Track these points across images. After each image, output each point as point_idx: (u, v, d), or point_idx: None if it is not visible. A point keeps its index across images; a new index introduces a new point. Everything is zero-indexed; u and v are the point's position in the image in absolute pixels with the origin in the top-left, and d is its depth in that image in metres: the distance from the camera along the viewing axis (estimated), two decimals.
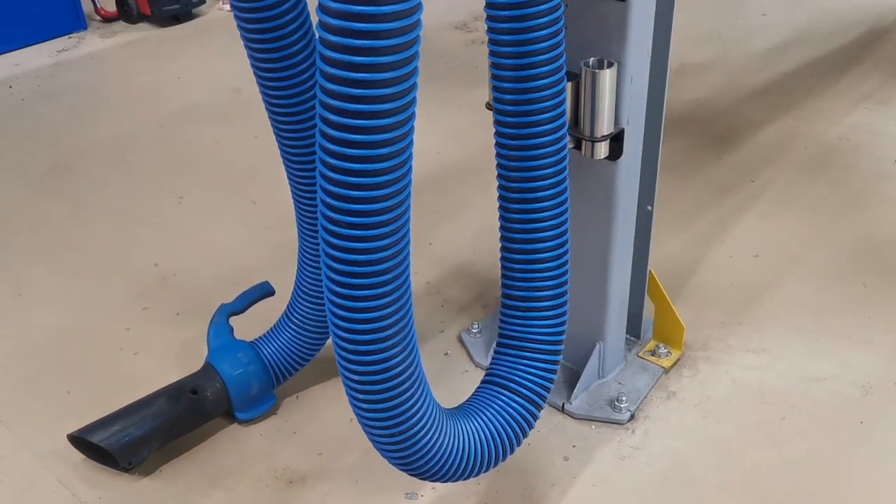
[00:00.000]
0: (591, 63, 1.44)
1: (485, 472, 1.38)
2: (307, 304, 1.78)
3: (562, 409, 1.84)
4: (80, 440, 1.69)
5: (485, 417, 1.37)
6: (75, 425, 1.72)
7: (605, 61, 1.44)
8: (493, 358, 1.45)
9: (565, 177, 1.35)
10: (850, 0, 4.13)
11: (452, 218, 2.56)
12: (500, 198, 1.37)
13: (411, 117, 0.99)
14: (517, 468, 1.71)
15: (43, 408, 1.92)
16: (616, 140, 1.53)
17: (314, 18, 1.01)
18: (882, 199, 2.55)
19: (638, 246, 1.82)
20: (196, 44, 4.02)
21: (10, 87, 3.60)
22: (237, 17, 1.37)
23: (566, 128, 1.32)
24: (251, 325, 1.88)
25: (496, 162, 1.36)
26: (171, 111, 3.33)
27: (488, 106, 1.37)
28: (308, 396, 1.92)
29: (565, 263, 1.39)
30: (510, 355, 1.41)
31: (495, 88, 1.29)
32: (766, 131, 2.98)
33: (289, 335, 1.82)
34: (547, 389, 1.43)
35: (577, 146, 1.53)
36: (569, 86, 1.46)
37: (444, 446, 1.26)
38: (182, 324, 2.15)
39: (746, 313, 2.11)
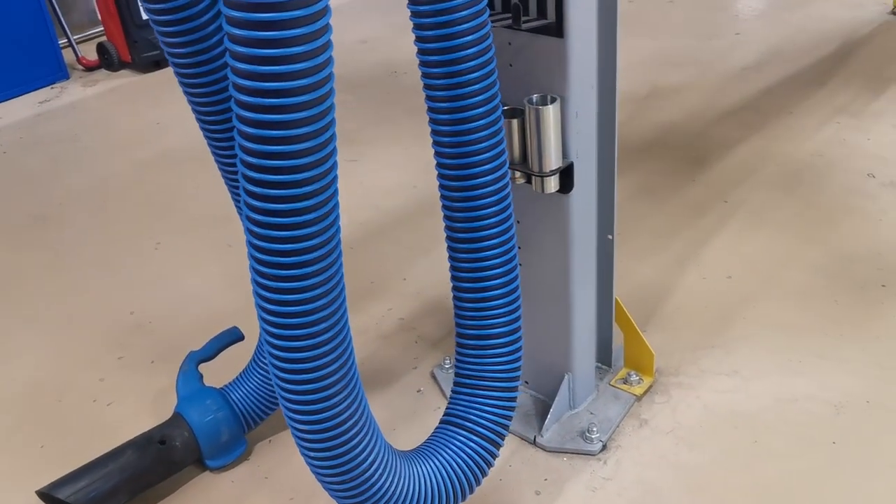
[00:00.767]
0: (534, 100, 1.46)
1: None
2: None
3: (533, 442, 1.83)
4: (48, 496, 1.68)
5: (442, 458, 1.36)
6: (49, 479, 1.72)
7: (549, 97, 1.46)
8: (450, 397, 1.45)
9: (510, 214, 1.35)
10: (824, 16, 4.17)
11: (426, 252, 2.57)
12: (448, 238, 1.38)
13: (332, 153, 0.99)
14: (489, 503, 1.70)
15: (18, 462, 1.92)
16: (565, 174, 1.54)
17: None
18: (854, 214, 2.55)
19: (601, 274, 1.82)
20: (175, 88, 4.01)
21: None
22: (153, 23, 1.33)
23: (507, 166, 1.33)
24: (224, 370, 1.89)
25: (441, 203, 1.37)
26: (150, 156, 3.35)
27: None
28: (280, 440, 1.91)
29: (516, 300, 1.40)
30: (466, 394, 1.41)
31: (434, 132, 1.30)
32: (740, 150, 2.99)
33: (257, 380, 1.82)
34: (505, 427, 1.42)
35: (528, 181, 1.54)
36: (514, 123, 1.49)
37: (398, 490, 1.26)
38: (157, 371, 2.15)
39: (719, 335, 2.11)
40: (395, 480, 1.25)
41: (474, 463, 1.38)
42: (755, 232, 2.51)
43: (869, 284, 2.24)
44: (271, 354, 1.07)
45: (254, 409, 1.82)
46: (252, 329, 1.91)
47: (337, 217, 1.02)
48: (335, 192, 1.00)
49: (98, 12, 4.33)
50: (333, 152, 0.98)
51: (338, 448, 1.15)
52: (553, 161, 1.50)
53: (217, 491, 1.80)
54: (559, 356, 1.82)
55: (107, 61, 4.29)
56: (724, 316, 2.17)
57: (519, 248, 1.44)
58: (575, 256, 1.67)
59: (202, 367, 1.87)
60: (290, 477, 1.82)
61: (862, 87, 3.36)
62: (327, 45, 0.94)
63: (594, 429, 1.82)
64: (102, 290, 2.54)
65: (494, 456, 1.42)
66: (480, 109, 1.25)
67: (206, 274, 2.56)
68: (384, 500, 1.24)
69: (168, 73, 4.22)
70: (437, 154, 1.32)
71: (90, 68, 4.31)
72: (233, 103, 0.94)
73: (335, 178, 1.00)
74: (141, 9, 4.11)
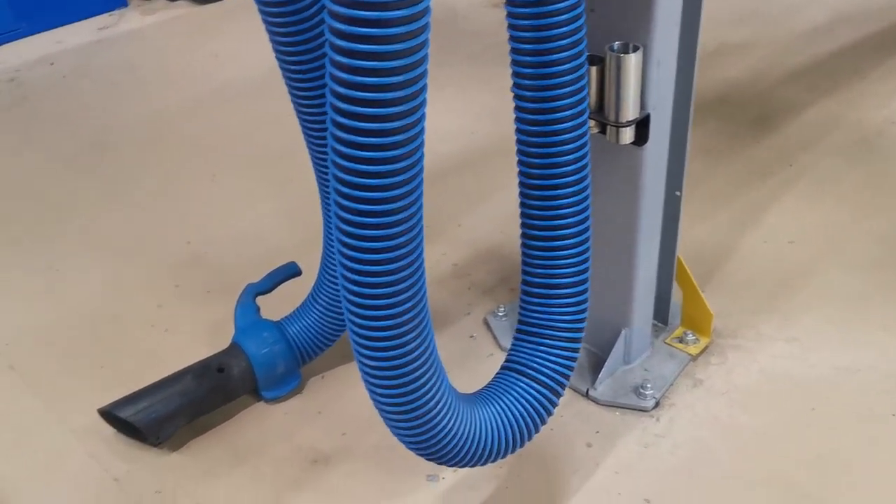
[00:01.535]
0: (615, 47, 1.42)
1: (502, 457, 1.38)
2: (333, 284, 1.79)
3: (586, 395, 1.83)
4: (109, 415, 1.73)
5: (503, 403, 1.36)
6: (108, 400, 1.76)
7: (631, 45, 1.41)
8: (512, 344, 1.44)
9: (587, 163, 1.33)
10: None
11: (483, 199, 2.55)
12: (521, 184, 1.36)
13: (423, 90, 0.97)
14: (539, 453, 1.71)
15: (77, 383, 1.97)
16: (642, 125, 1.50)
17: None
18: None
19: (666, 231, 1.79)
20: (234, 21, 4.03)
21: (52, 63, 3.66)
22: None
23: (587, 114, 1.30)
24: (279, 305, 1.90)
25: (517, 148, 1.35)
26: (208, 89, 3.35)
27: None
28: (333, 376, 1.93)
29: (587, 250, 1.38)
30: (529, 342, 1.41)
31: (515, 74, 1.27)
32: (808, 113, 2.90)
33: (314, 315, 1.83)
34: (566, 377, 1.42)
35: (602, 131, 1.51)
36: (594, 70, 1.45)
37: (460, 431, 1.27)
38: (212, 301, 2.18)
39: (779, 301, 2.07)
40: (457, 421, 1.26)
41: (535, 410, 1.38)
42: (820, 198, 2.45)
43: None
44: (346, 279, 1.06)
45: (309, 345, 1.84)
46: (309, 265, 1.93)
47: (422, 144, 1.00)
48: (422, 117, 0.99)
49: None
50: (425, 73, 0.97)
51: (406, 385, 1.15)
52: (631, 112, 1.47)
53: (271, 421, 1.82)
54: (618, 310, 1.80)
55: None
56: (785, 281, 2.14)
57: None
58: (643, 210, 1.64)
59: (259, 300, 1.89)
60: (342, 412, 1.84)
61: None
62: None
63: (648, 385, 1.80)
64: (159, 218, 2.56)
65: (554, 404, 1.41)
66: (566, 53, 1.22)
67: (263, 209, 2.57)
68: (445, 440, 1.25)
69: (227, 6, 4.21)
70: (516, 97, 1.30)
71: None
72: (326, 30, 0.93)
73: (424, 101, 0.98)
74: None
